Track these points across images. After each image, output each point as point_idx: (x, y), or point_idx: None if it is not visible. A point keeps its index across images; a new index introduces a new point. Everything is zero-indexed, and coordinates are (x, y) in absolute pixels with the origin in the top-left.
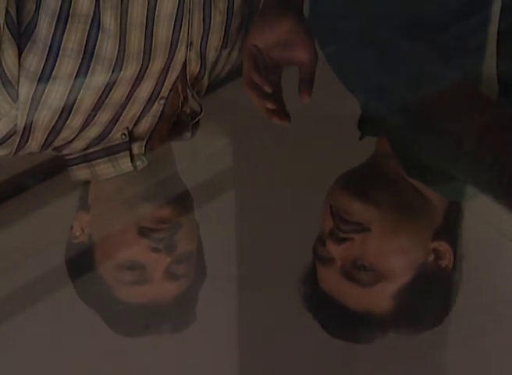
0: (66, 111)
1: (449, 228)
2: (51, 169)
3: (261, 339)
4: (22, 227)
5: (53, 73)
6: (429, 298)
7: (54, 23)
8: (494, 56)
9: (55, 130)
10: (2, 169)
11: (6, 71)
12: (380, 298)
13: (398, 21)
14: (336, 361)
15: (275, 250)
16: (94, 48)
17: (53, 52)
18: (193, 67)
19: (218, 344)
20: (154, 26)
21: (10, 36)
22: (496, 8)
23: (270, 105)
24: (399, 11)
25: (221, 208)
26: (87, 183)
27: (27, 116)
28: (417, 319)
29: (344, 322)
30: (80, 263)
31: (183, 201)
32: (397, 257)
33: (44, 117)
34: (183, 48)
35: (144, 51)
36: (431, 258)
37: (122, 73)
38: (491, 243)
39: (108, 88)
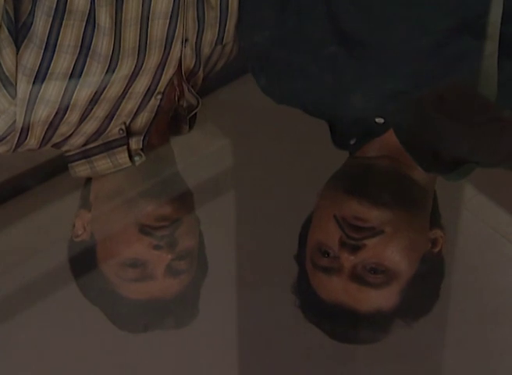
0: (63, 106)
1: (438, 213)
2: (51, 170)
3: (261, 339)
4: (22, 227)
5: (50, 70)
6: (426, 284)
7: (50, 20)
8: (495, 56)
9: (52, 125)
10: (3, 170)
11: (4, 69)
12: (390, 296)
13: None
14: (335, 361)
15: (274, 250)
16: (90, 45)
17: (49, 49)
18: (189, 62)
19: (217, 344)
20: (150, 24)
21: (8, 34)
22: (497, 8)
23: None
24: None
25: (221, 209)
26: (88, 181)
27: (26, 112)
28: (417, 307)
29: (354, 326)
30: (83, 261)
31: (183, 198)
32: (407, 254)
33: (42, 113)
34: (179, 44)
35: (139, 48)
36: (429, 247)
37: (117, 69)
38: (490, 243)
39: (104, 84)
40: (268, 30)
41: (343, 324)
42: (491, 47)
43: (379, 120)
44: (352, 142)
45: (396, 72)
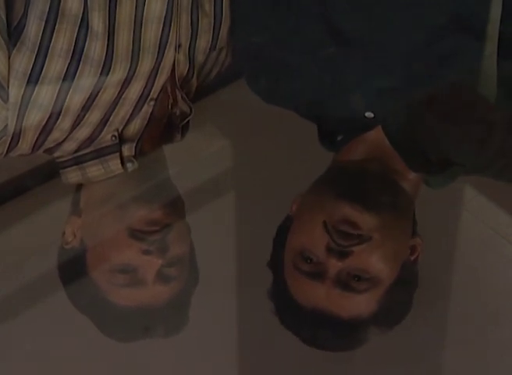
0: (56, 112)
1: (415, 220)
2: (51, 171)
3: (261, 339)
4: (22, 228)
5: (42, 74)
6: (402, 292)
7: (43, 24)
8: (494, 57)
9: (45, 130)
10: (3, 171)
11: None
12: (370, 302)
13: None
14: (334, 361)
15: None
16: (83, 49)
17: (42, 53)
18: (182, 69)
19: (217, 345)
20: (143, 29)
21: (0, 37)
22: (497, 8)
23: None
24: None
25: (221, 210)
26: (78, 188)
27: (17, 116)
28: (393, 314)
29: (333, 332)
30: (72, 269)
31: (173, 204)
32: (391, 261)
33: (35, 118)
34: (172, 50)
35: (132, 53)
36: (408, 254)
37: (110, 74)
38: (490, 244)
39: (97, 89)
40: (266, 30)
41: (321, 330)
42: (490, 47)
43: (369, 114)
44: (339, 138)
45: (393, 70)
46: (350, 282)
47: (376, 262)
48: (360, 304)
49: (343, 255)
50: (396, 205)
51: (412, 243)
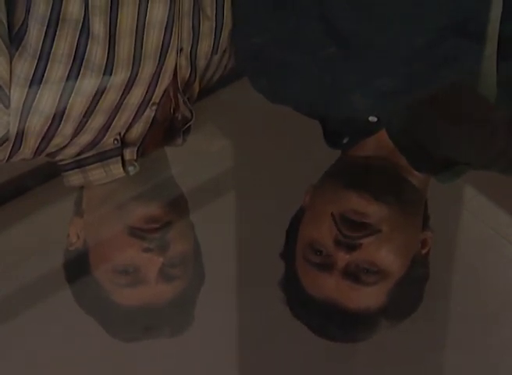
0: (58, 117)
1: (427, 214)
2: (51, 171)
3: (261, 339)
4: (22, 228)
5: (43, 79)
6: (412, 285)
7: (44, 29)
8: (494, 57)
9: (47, 136)
10: (3, 171)
11: None
12: (380, 294)
13: (398, 24)
14: (335, 361)
15: (275, 250)
16: (84, 54)
17: (43, 58)
18: (184, 73)
19: (218, 345)
20: (145, 33)
21: (2, 43)
22: (497, 9)
23: None
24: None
25: (221, 209)
26: (81, 189)
27: (19, 122)
28: (402, 308)
29: (342, 323)
30: (77, 270)
31: (175, 202)
32: (400, 254)
33: (36, 123)
34: (173, 54)
35: (133, 58)
36: (419, 247)
37: (112, 78)
38: (490, 244)
39: (99, 94)
40: (266, 31)
41: (331, 321)
42: (490, 48)
43: (372, 119)
44: (345, 141)
45: (393, 72)
46: (359, 274)
47: (385, 255)
48: (370, 296)
49: (350, 247)
50: (403, 197)
51: (423, 237)
